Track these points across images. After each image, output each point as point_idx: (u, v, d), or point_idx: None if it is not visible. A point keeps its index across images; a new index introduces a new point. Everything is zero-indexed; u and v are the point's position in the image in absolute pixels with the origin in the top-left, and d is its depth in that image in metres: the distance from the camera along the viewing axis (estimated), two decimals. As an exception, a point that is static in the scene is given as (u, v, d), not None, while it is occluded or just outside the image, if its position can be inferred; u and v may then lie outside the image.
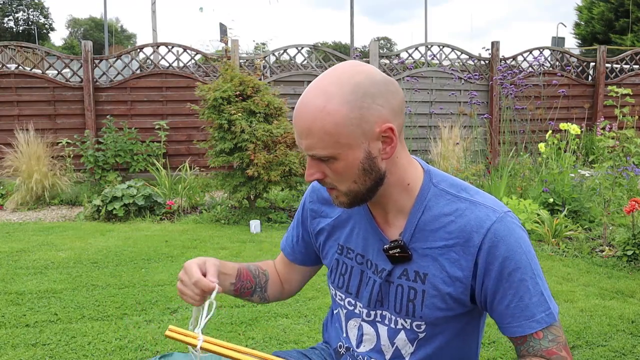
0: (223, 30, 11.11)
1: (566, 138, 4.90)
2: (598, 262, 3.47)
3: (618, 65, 8.15)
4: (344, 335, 1.17)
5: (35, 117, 6.42)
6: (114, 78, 6.83)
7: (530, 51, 7.72)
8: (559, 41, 17.68)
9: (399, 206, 1.04)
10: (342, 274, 1.15)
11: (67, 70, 6.66)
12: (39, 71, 6.65)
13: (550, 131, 4.88)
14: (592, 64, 7.99)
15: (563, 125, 4.88)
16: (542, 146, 4.79)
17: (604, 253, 3.66)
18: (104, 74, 6.73)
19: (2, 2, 39.16)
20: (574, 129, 4.74)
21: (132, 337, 2.40)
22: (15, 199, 5.63)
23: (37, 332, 2.45)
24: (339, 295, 1.16)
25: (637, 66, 8.08)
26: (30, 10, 41.53)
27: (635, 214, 3.43)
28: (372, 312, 1.11)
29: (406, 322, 1.07)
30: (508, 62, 7.66)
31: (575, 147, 4.99)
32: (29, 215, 5.32)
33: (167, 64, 6.87)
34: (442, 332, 1.06)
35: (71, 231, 4.47)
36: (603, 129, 4.24)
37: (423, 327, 1.06)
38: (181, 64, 7.07)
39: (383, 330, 1.10)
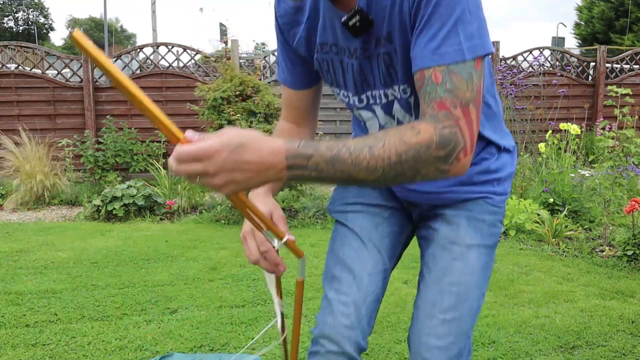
0: (223, 30, 11.11)
1: (566, 138, 4.90)
2: (598, 262, 3.47)
3: (618, 65, 8.14)
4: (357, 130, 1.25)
5: (35, 117, 6.42)
6: (114, 78, 6.81)
7: (530, 51, 7.72)
8: (559, 41, 17.69)
9: None
10: (327, 71, 1.15)
11: (67, 70, 6.66)
12: (38, 71, 6.65)
13: (550, 131, 4.88)
14: (592, 64, 7.99)
15: (563, 125, 4.88)
16: (542, 146, 4.79)
17: (604, 253, 3.66)
18: (103, 74, 6.72)
19: (2, 2, 39.14)
20: (574, 129, 4.74)
21: (132, 337, 2.40)
22: (15, 199, 5.63)
23: (37, 332, 2.45)
24: (335, 91, 1.18)
25: (637, 66, 8.07)
26: (30, 10, 41.54)
27: (635, 214, 3.43)
28: (363, 97, 1.12)
29: (394, 90, 1.07)
30: (508, 62, 7.66)
31: (575, 147, 4.99)
32: (28, 215, 5.32)
33: (167, 64, 6.87)
34: None
35: (71, 231, 4.47)
36: (603, 129, 4.23)
37: (409, 90, 1.05)
38: (181, 64, 7.06)
39: (379, 110, 1.11)
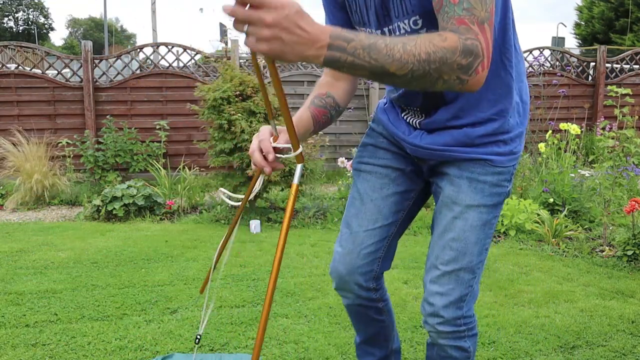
0: (223, 30, 11.12)
1: (566, 138, 4.90)
2: (598, 262, 3.47)
3: (618, 65, 8.14)
4: None
5: (35, 117, 6.42)
6: (114, 78, 6.82)
7: (530, 51, 7.72)
8: (559, 41, 17.69)
9: None
10: (355, 11, 1.27)
11: (67, 70, 6.66)
12: (38, 71, 6.65)
13: (550, 131, 4.88)
14: (592, 64, 7.99)
15: (563, 125, 4.88)
16: (542, 146, 4.79)
17: (604, 253, 3.66)
18: (103, 74, 6.73)
19: (2, 2, 39.15)
20: (574, 129, 4.74)
21: (132, 337, 2.40)
22: (15, 199, 5.63)
23: (37, 332, 2.45)
24: (362, 30, 1.28)
25: (637, 66, 8.07)
26: (30, 10, 41.54)
27: (635, 214, 3.43)
28: (385, 30, 1.23)
29: (406, 23, 1.17)
30: (508, 62, 7.65)
31: (575, 147, 4.99)
32: (28, 215, 5.32)
33: (167, 64, 6.86)
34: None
35: (71, 231, 4.47)
36: (603, 129, 4.23)
37: (420, 22, 1.15)
38: (181, 64, 7.06)
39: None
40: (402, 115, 1.40)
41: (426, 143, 1.32)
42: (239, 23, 0.85)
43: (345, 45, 0.91)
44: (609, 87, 4.18)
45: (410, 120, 1.37)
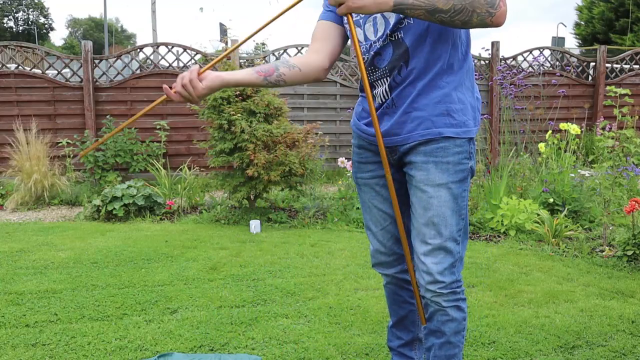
0: (223, 30, 11.12)
1: (566, 138, 4.90)
2: (598, 262, 3.47)
3: (618, 65, 8.14)
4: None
5: (35, 117, 6.42)
6: (114, 78, 6.83)
7: (530, 51, 7.72)
8: (559, 41, 17.69)
9: None
10: None
11: (67, 70, 6.66)
12: (38, 71, 6.65)
13: (550, 131, 4.88)
14: (592, 64, 7.99)
15: (563, 125, 4.88)
16: (542, 146, 4.79)
17: (604, 253, 3.66)
18: (103, 74, 6.73)
19: (2, 2, 39.15)
20: (574, 129, 4.74)
21: (132, 337, 2.40)
22: (15, 199, 5.63)
23: (37, 332, 2.45)
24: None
25: (637, 66, 8.07)
26: (30, 10, 41.54)
27: (635, 214, 3.43)
28: None
29: None
30: (508, 62, 7.66)
31: (575, 147, 4.99)
32: (28, 215, 5.32)
33: (167, 64, 6.87)
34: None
35: (71, 231, 4.47)
36: (603, 129, 4.23)
37: None
38: (181, 64, 7.06)
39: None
40: (373, 98, 1.61)
41: (389, 127, 1.57)
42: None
43: None
44: (608, 88, 4.17)
45: (380, 92, 1.58)
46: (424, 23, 1.47)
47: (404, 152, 1.59)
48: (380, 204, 1.72)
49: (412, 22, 1.48)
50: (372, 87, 1.61)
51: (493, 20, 1.36)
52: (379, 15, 1.52)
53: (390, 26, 1.51)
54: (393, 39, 1.52)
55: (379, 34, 1.54)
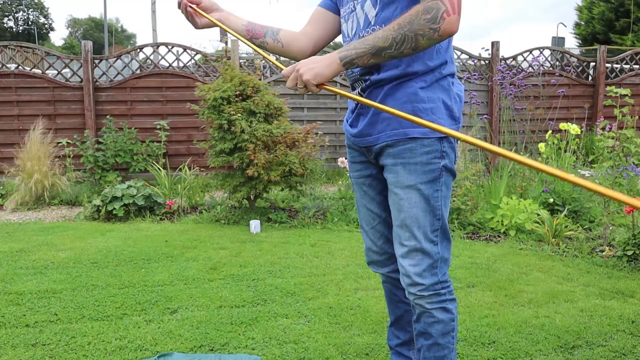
0: (223, 30, 11.11)
1: (566, 138, 4.90)
2: (598, 262, 3.47)
3: (618, 65, 8.14)
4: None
5: (35, 117, 6.42)
6: (114, 78, 6.83)
7: (530, 51, 7.72)
8: (559, 41, 17.69)
9: None
10: None
11: (67, 70, 6.66)
12: (38, 71, 6.65)
13: (550, 131, 4.88)
14: (592, 64, 7.99)
15: (563, 125, 4.88)
16: (542, 146, 4.79)
17: (604, 253, 3.66)
18: (104, 74, 6.73)
19: (2, 2, 39.14)
20: (574, 129, 4.74)
21: (132, 337, 2.40)
22: (15, 199, 5.63)
23: (37, 332, 2.45)
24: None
25: (637, 66, 8.07)
26: (30, 10, 41.54)
27: (636, 214, 3.43)
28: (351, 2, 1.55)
29: None
30: (508, 62, 7.66)
31: (575, 147, 4.99)
32: (28, 215, 5.32)
33: (167, 64, 6.87)
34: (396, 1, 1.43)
35: (71, 231, 4.47)
36: (603, 129, 4.23)
37: None
38: (181, 64, 7.06)
39: (358, 6, 1.52)
40: (356, 92, 1.62)
41: (362, 128, 1.58)
42: (293, 84, 1.42)
43: (348, 48, 1.38)
44: (608, 88, 4.18)
45: (357, 93, 1.59)
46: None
47: (377, 153, 1.59)
48: (368, 204, 1.74)
49: (381, 20, 1.47)
50: (352, 88, 1.61)
51: (441, 34, 1.32)
52: (358, 9, 1.51)
53: (362, 25, 1.50)
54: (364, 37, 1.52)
55: (354, 31, 1.54)
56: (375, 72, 1.50)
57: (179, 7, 1.73)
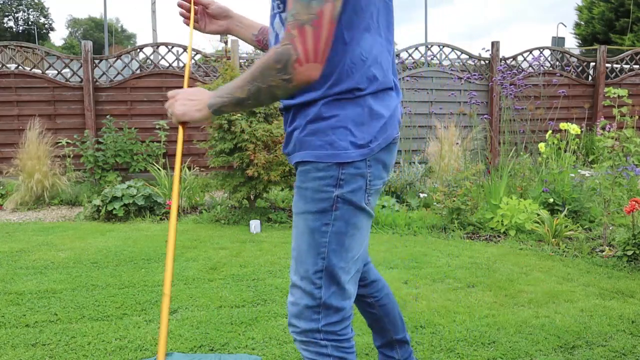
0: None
1: (566, 138, 4.90)
2: (598, 262, 3.47)
3: (618, 65, 8.14)
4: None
5: (35, 117, 6.42)
6: (114, 78, 6.83)
7: (530, 51, 7.72)
8: (559, 41, 17.68)
9: None
10: None
11: (67, 70, 6.66)
12: (38, 71, 6.65)
13: (550, 131, 4.88)
14: (592, 64, 7.99)
15: (563, 125, 4.88)
16: (542, 146, 4.79)
17: (604, 253, 3.66)
18: (103, 74, 6.73)
19: (2, 2, 39.16)
20: (574, 129, 4.74)
21: (132, 337, 2.40)
22: (15, 199, 5.63)
23: (37, 332, 2.45)
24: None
25: (637, 66, 8.07)
26: (30, 10, 41.55)
27: (635, 214, 3.43)
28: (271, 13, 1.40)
29: (274, 5, 1.32)
30: (508, 62, 7.66)
31: (575, 147, 4.99)
32: (28, 215, 5.32)
33: (167, 64, 6.87)
34: None
35: (71, 231, 4.47)
36: (603, 128, 4.23)
37: (282, 5, 1.28)
38: (181, 64, 7.07)
39: (270, 24, 1.38)
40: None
41: (284, 147, 1.40)
42: (170, 109, 1.34)
43: (218, 95, 1.27)
44: (606, 89, 4.18)
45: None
46: None
47: None
48: None
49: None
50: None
51: (295, 84, 1.15)
52: (270, 27, 1.36)
53: (273, 43, 1.36)
54: None
55: (273, 43, 1.37)
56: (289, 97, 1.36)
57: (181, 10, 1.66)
